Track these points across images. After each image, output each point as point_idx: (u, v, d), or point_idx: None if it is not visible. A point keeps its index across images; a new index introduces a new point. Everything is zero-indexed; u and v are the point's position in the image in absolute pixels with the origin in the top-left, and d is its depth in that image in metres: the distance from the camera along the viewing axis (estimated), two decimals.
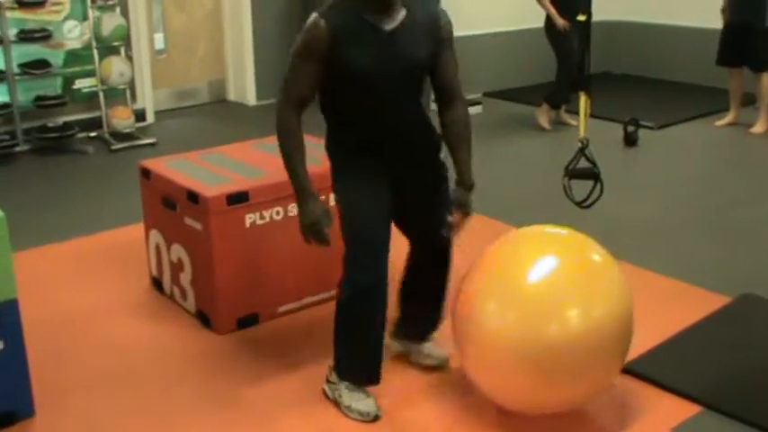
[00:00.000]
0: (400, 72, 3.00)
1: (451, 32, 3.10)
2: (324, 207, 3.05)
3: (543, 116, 7.70)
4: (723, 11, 7.46)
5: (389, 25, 2.94)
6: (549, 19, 7.33)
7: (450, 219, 3.15)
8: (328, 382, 3.31)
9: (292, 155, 2.98)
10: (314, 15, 2.91)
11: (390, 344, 3.55)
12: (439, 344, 3.58)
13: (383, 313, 3.16)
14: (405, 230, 3.37)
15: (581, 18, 4.70)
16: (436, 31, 3.03)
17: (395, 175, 3.14)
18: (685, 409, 3.27)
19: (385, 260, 3.10)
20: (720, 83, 8.04)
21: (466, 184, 3.14)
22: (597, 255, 3.06)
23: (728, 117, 7.71)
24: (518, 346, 2.87)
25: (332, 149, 3.19)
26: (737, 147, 7.15)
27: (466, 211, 3.16)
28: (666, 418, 3.22)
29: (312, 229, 3.01)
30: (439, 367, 3.52)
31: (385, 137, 3.10)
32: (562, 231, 3.17)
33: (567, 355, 2.85)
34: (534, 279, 2.93)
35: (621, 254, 4.57)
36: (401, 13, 2.97)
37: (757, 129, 7.45)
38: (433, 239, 3.32)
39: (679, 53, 9.31)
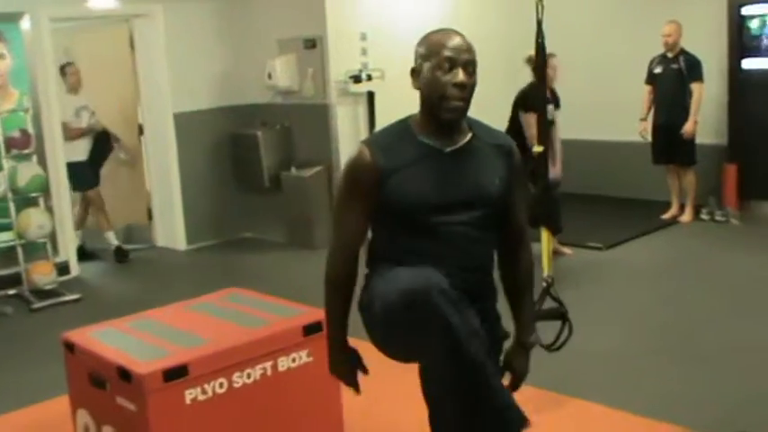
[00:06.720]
0: (463, 203, 2.54)
1: (521, 162, 2.72)
2: (351, 363, 2.81)
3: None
4: (642, 119, 8.24)
5: (450, 147, 2.56)
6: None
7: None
8: None
9: (334, 308, 2.70)
10: (359, 143, 2.60)
11: None
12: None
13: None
14: None
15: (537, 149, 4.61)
16: (508, 155, 2.64)
17: None
18: None
19: None
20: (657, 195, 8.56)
21: (526, 344, 2.75)
22: None
23: (671, 210, 8.31)
24: None
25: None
26: (686, 262, 7.03)
27: (520, 375, 2.76)
28: None
29: (336, 375, 2.85)
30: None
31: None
32: None
33: None
34: None
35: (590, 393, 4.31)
36: (466, 136, 2.59)
37: (685, 218, 8.19)
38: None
39: (612, 167, 9.30)
